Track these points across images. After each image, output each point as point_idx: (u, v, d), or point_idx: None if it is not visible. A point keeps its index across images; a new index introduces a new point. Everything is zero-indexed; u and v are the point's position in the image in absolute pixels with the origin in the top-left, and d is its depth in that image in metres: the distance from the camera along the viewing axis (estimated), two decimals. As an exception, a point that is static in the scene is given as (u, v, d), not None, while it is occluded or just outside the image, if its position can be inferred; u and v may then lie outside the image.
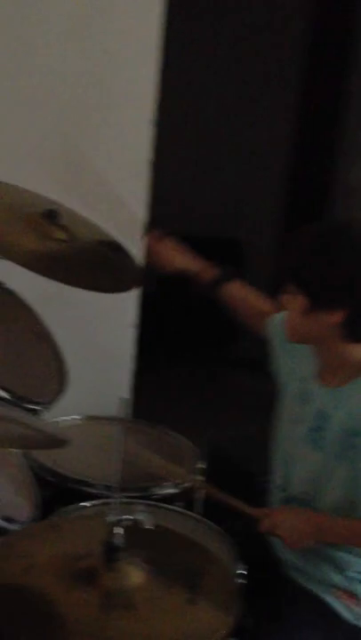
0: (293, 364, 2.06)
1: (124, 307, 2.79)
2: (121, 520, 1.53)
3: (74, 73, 2.62)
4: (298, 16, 4.65)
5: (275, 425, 2.10)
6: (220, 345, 4.34)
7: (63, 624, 1.47)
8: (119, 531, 1.52)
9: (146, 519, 1.55)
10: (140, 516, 1.55)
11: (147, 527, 1.55)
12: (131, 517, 1.54)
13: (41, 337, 2.27)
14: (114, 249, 2.31)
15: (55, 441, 1.88)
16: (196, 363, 4.16)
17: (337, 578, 1.95)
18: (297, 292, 1.84)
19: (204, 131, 4.57)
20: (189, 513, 2.03)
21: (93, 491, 2.14)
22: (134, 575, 1.54)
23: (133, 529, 1.56)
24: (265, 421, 3.74)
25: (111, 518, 1.54)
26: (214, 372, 3.99)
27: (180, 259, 2.27)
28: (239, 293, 2.26)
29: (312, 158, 4.68)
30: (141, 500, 2.00)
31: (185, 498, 2.18)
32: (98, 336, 2.76)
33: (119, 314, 2.79)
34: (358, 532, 1.88)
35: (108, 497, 2.03)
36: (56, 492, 2.16)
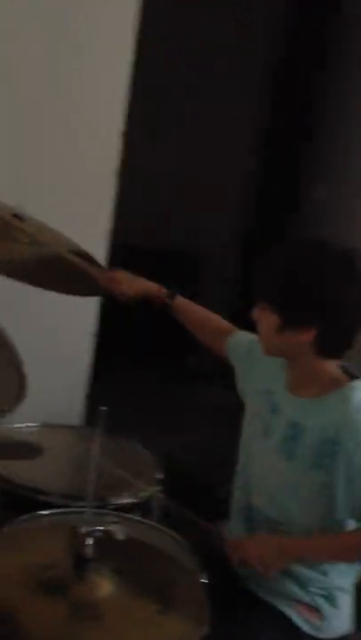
0: (261, 378, 2.06)
1: (84, 315, 2.77)
2: (93, 531, 1.50)
3: (44, 83, 2.61)
4: (264, 40, 4.70)
5: (241, 439, 2.09)
6: (177, 356, 4.34)
7: (28, 635, 1.43)
8: (90, 541, 1.49)
9: (118, 530, 1.51)
10: (112, 527, 1.52)
11: (119, 538, 1.51)
12: (103, 528, 1.51)
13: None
14: (80, 256, 2.29)
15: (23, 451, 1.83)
16: (154, 373, 4.15)
17: (298, 592, 1.95)
18: (269, 309, 1.86)
19: (170, 143, 4.60)
20: (152, 523, 1.99)
21: (48, 499, 2.09)
22: (103, 586, 1.52)
23: (102, 540, 1.53)
24: (222, 433, 3.74)
25: (82, 529, 1.51)
26: (173, 383, 3.98)
27: (137, 283, 2.26)
28: (189, 311, 2.27)
29: (278, 173, 4.71)
30: (107, 511, 1.95)
31: (143, 508, 2.16)
32: (57, 343, 2.73)
33: (79, 322, 2.77)
34: (322, 546, 1.90)
35: (64, 506, 2.00)
36: (6, 501, 2.11)
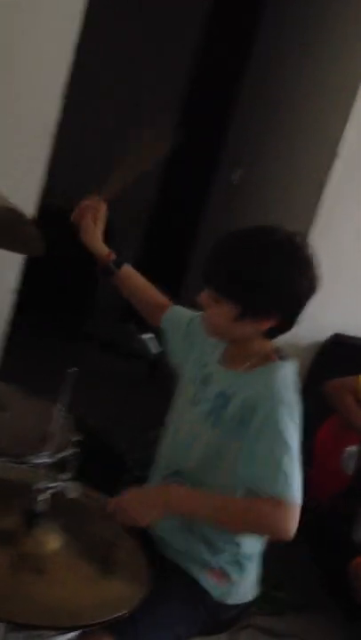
0: (198, 350, 2.11)
1: (6, 272, 2.76)
2: (47, 487, 1.53)
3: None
4: (188, 32, 4.78)
5: (171, 406, 2.16)
6: (81, 321, 4.39)
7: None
8: (44, 497, 1.53)
9: (71, 488, 1.56)
10: (65, 485, 1.56)
11: (72, 496, 1.56)
12: (56, 485, 1.55)
13: None
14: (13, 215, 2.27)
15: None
16: (65, 335, 4.16)
17: (210, 559, 2.01)
18: (225, 299, 1.88)
19: (102, 116, 4.65)
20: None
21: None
22: (51, 542, 1.55)
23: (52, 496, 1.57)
24: (125, 399, 3.79)
25: (38, 485, 1.54)
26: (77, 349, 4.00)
27: (91, 235, 2.25)
28: (134, 281, 2.28)
29: (194, 155, 4.78)
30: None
31: (58, 468, 2.19)
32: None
33: (1, 278, 2.76)
34: (208, 506, 1.88)
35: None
36: None
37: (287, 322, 1.93)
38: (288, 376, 1.96)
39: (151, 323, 2.30)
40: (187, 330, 2.17)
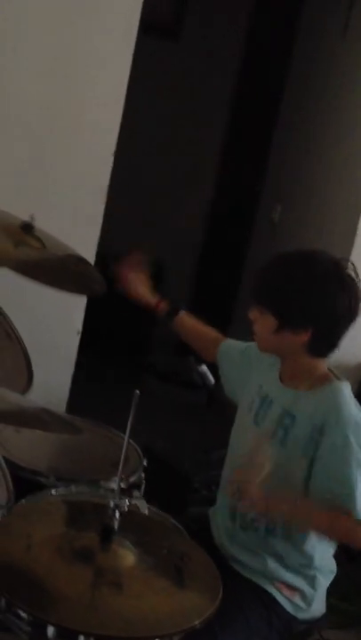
0: (255, 376, 2.09)
1: (72, 314, 2.80)
2: (120, 505, 1.53)
3: (47, 106, 2.65)
4: (226, 65, 4.80)
5: (233, 429, 2.13)
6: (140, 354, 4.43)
7: (58, 598, 1.45)
8: (117, 515, 1.52)
9: (142, 505, 1.55)
10: (137, 502, 1.55)
11: (143, 513, 1.55)
12: (129, 503, 1.54)
13: (11, 337, 2.24)
14: (79, 261, 2.31)
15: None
16: (125, 368, 4.21)
17: (279, 572, 1.97)
18: (267, 312, 1.90)
19: (146, 165, 4.70)
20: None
21: (43, 480, 2.12)
22: (126, 557, 1.54)
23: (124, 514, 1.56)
24: (184, 427, 3.79)
25: (111, 503, 1.54)
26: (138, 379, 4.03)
27: (140, 289, 2.28)
28: (189, 324, 2.29)
29: (236, 195, 4.81)
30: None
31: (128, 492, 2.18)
32: (45, 340, 2.73)
33: (66, 320, 2.80)
34: (322, 522, 1.88)
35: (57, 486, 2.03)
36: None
37: (326, 338, 1.91)
38: (350, 395, 1.93)
39: (206, 358, 2.31)
40: (241, 360, 2.16)
